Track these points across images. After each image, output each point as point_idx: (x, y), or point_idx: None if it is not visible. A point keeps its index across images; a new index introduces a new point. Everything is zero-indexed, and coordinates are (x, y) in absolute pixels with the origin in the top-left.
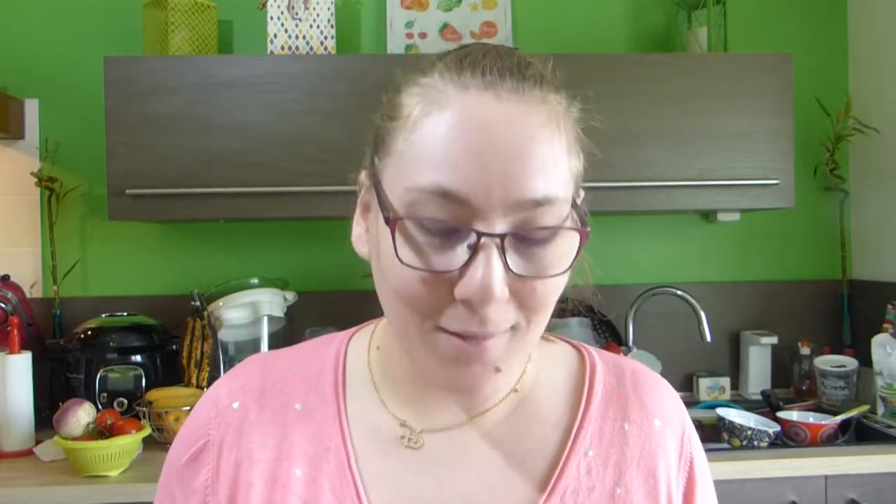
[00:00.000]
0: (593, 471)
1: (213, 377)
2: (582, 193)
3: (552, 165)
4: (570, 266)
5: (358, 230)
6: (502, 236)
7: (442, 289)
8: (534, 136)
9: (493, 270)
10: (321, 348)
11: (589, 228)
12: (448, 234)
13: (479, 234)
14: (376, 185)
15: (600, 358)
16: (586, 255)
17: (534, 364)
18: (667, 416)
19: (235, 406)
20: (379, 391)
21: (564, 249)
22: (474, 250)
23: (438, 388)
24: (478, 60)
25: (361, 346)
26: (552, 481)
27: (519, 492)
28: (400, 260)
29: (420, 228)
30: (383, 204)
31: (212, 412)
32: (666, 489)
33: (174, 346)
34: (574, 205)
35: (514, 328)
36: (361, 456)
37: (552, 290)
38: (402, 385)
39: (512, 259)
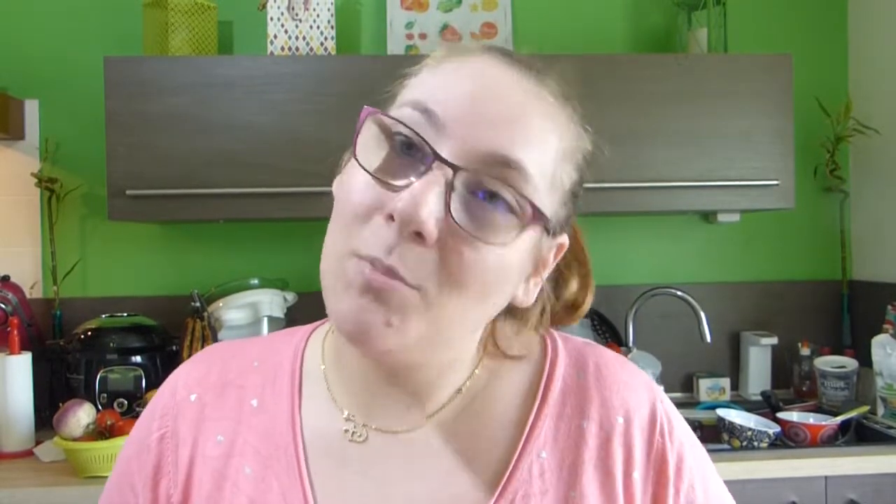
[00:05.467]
0: (546, 473)
1: None
2: (564, 213)
3: (535, 145)
4: (507, 243)
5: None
6: (456, 168)
7: (378, 201)
8: (532, 112)
9: (429, 192)
10: (284, 340)
11: (561, 241)
12: (408, 151)
13: (436, 156)
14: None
15: (564, 347)
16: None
17: (485, 367)
18: (632, 412)
19: (192, 399)
20: (329, 385)
21: (509, 226)
22: (424, 173)
23: (338, 326)
24: (504, 49)
25: (320, 337)
26: (501, 484)
27: (466, 496)
28: (356, 157)
29: (385, 138)
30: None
31: (170, 402)
32: (625, 490)
33: (174, 347)
34: (541, 216)
35: (421, 292)
36: (312, 454)
37: (479, 267)
38: (350, 375)
39: (455, 206)
